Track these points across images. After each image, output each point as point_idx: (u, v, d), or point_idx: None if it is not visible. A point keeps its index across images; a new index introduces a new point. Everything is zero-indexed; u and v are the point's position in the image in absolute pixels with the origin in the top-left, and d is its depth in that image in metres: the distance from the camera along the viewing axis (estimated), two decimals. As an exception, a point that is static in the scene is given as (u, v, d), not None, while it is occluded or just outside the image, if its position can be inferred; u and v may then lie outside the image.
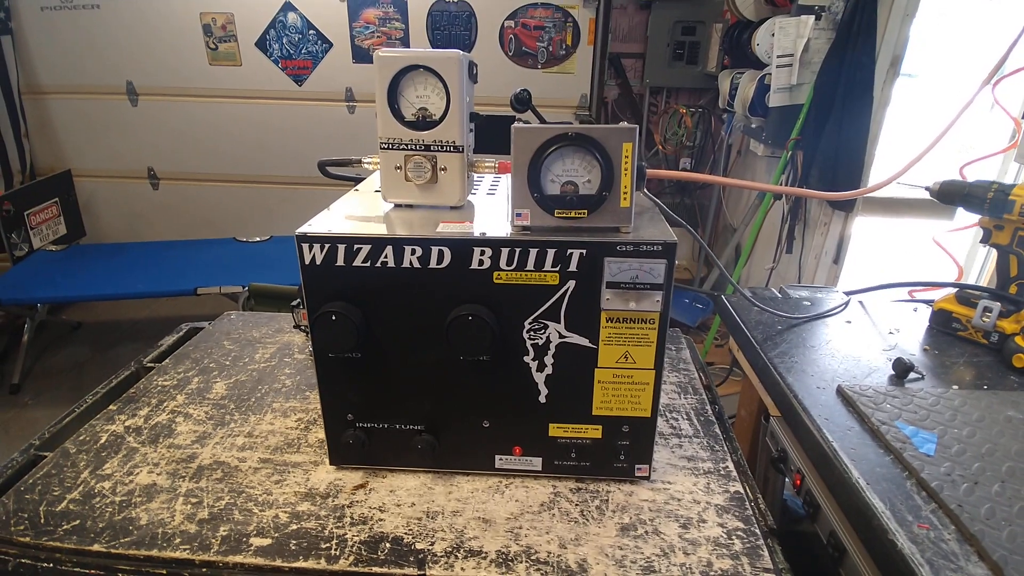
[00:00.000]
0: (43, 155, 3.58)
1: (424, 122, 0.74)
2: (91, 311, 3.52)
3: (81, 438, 0.87)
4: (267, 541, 0.69)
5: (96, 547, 0.68)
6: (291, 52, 3.33)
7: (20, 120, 3.41)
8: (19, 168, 3.45)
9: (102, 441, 0.87)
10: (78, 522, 0.71)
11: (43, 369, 2.99)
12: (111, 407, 0.95)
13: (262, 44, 3.32)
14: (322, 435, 0.87)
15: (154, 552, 0.68)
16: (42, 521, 0.72)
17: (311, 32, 3.29)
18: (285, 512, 0.74)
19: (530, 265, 0.69)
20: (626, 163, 0.66)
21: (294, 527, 0.71)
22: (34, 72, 3.41)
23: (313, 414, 0.93)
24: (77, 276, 2.98)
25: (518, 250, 0.68)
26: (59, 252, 3.24)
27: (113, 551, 0.68)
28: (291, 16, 3.26)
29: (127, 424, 0.91)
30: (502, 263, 0.69)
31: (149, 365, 1.09)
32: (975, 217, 1.05)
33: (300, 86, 3.40)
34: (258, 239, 3.32)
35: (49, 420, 0.91)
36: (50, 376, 2.94)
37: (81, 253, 3.29)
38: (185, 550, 0.68)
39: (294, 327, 1.18)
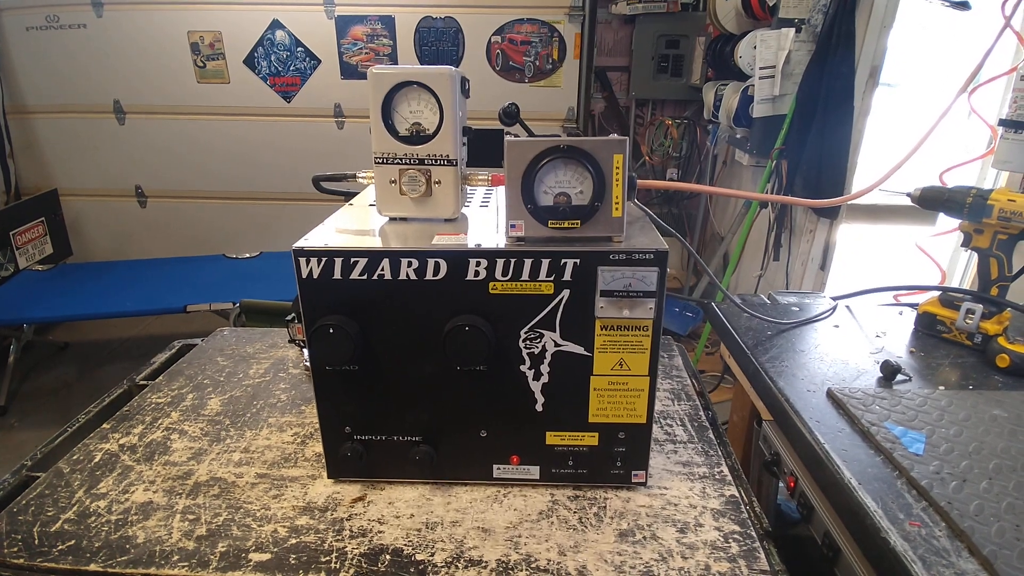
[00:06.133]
0: (29, 174, 3.56)
1: (418, 137, 0.76)
2: (78, 331, 3.48)
3: (74, 457, 0.87)
4: (266, 556, 0.69)
5: (93, 567, 0.68)
6: (279, 69, 3.34)
7: (4, 140, 3.39)
8: (3, 188, 3.43)
9: (96, 460, 0.86)
10: (73, 542, 0.71)
11: (30, 390, 2.95)
12: (104, 425, 0.95)
13: (250, 61, 3.33)
14: (319, 449, 0.88)
15: (152, 570, 0.67)
16: (36, 542, 0.71)
17: (299, 49, 3.31)
18: (284, 526, 0.73)
19: (525, 275, 0.70)
20: (617, 174, 0.67)
21: (293, 541, 0.71)
22: (19, 92, 3.40)
23: (309, 428, 0.93)
24: (64, 296, 2.95)
25: (513, 260, 0.69)
26: (45, 272, 3.21)
27: (110, 570, 0.67)
28: (279, 34, 3.28)
29: (121, 442, 0.90)
30: (497, 274, 0.70)
31: (142, 383, 1.08)
32: (956, 222, 1.08)
33: (289, 102, 3.41)
34: (248, 255, 3.31)
35: (36, 442, 0.90)
36: (37, 397, 2.90)
37: (68, 272, 3.26)
38: (184, 567, 0.67)
39: (289, 341, 1.18)
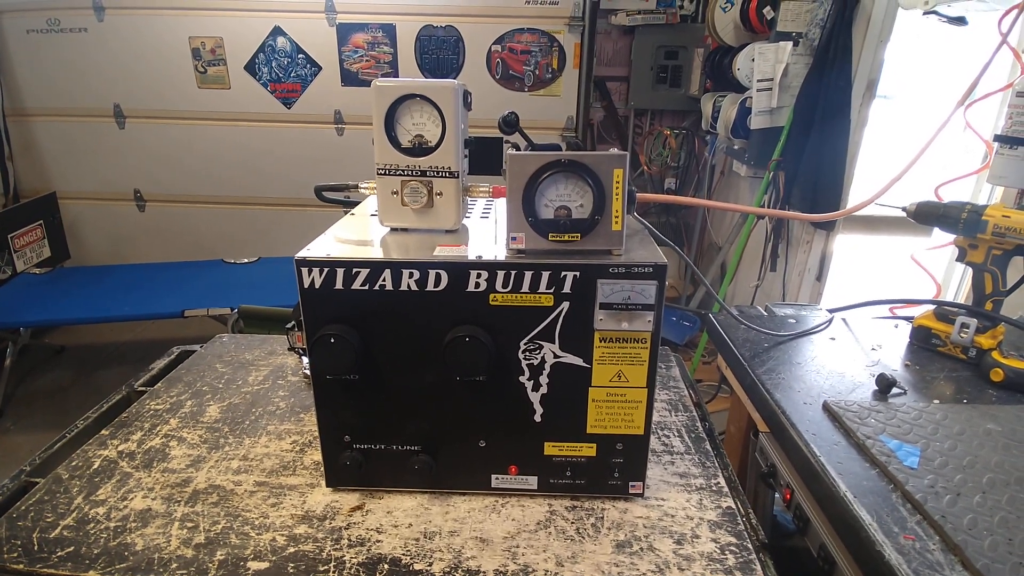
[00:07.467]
0: (28, 177, 3.56)
1: (420, 149, 0.76)
2: (75, 334, 3.47)
3: (73, 463, 0.87)
4: (265, 565, 0.69)
5: (91, 574, 0.68)
6: (280, 75, 3.36)
7: (4, 143, 3.40)
8: (2, 191, 3.43)
9: (95, 466, 0.86)
10: (72, 548, 0.71)
11: (26, 394, 2.94)
12: (103, 432, 0.95)
13: (251, 67, 3.34)
14: (318, 457, 0.88)
15: (151, 578, 0.67)
16: (36, 548, 0.71)
17: (300, 56, 3.32)
18: (282, 535, 0.74)
19: (525, 287, 0.70)
20: (617, 188, 0.68)
21: (292, 550, 0.71)
22: (19, 95, 3.41)
23: (308, 436, 0.94)
24: (61, 299, 2.95)
25: (513, 273, 0.70)
26: (43, 275, 3.21)
27: (109, 577, 0.67)
28: (280, 40, 3.29)
29: (120, 449, 0.90)
30: (498, 285, 0.70)
31: (140, 389, 1.08)
32: (952, 235, 1.09)
33: (289, 109, 3.42)
34: (246, 261, 3.31)
35: (32, 445, 0.90)
36: (33, 401, 2.89)
37: (65, 276, 3.26)
38: (182, 575, 0.68)
39: (288, 349, 1.18)
